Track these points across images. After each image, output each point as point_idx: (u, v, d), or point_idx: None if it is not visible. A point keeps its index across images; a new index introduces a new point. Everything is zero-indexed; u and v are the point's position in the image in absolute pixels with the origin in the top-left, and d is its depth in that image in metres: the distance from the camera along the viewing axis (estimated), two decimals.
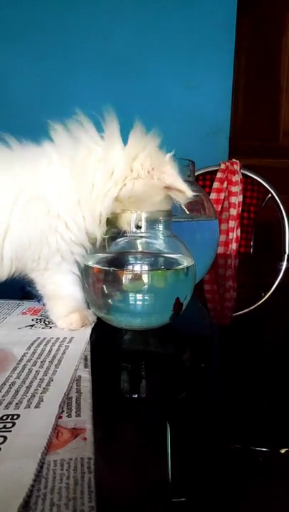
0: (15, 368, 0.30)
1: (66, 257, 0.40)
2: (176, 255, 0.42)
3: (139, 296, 0.38)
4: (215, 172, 1.20)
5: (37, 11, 1.56)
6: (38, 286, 0.42)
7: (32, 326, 0.40)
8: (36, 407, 0.25)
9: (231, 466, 0.22)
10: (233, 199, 1.17)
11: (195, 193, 0.38)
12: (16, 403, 0.25)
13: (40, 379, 0.29)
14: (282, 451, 0.23)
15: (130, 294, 0.37)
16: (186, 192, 0.37)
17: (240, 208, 1.19)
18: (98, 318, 0.41)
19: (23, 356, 0.33)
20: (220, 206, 1.18)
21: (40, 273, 0.41)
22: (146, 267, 0.38)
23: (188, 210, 0.52)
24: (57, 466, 0.20)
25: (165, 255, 0.42)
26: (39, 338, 0.37)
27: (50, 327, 0.40)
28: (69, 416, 0.24)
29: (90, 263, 0.40)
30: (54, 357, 0.33)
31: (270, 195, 1.20)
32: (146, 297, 0.38)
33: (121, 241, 0.40)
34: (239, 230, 1.19)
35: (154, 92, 1.63)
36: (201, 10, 1.59)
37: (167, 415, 0.27)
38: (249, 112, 1.72)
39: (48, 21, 1.57)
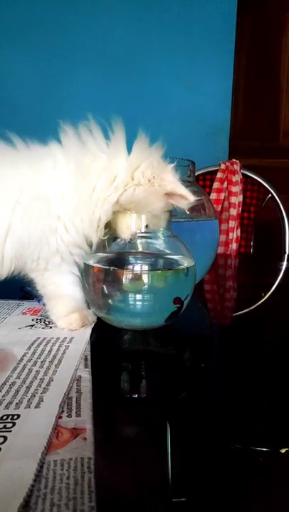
0: (15, 368, 0.30)
1: (65, 258, 0.40)
2: (177, 255, 0.42)
3: (139, 296, 0.38)
4: (215, 172, 1.20)
5: (37, 11, 1.56)
6: (38, 286, 0.42)
7: (32, 326, 0.40)
8: (36, 407, 0.25)
9: (231, 466, 0.22)
10: (233, 199, 1.17)
11: (197, 198, 0.38)
12: (16, 403, 0.25)
13: (41, 379, 0.29)
14: (283, 451, 0.23)
15: (130, 294, 0.37)
16: (188, 197, 0.37)
17: (241, 208, 1.19)
18: (98, 318, 0.41)
19: (23, 356, 0.33)
20: (220, 206, 1.18)
21: (40, 273, 0.41)
22: (146, 267, 0.38)
23: (188, 211, 0.52)
24: (57, 466, 0.20)
25: (165, 255, 0.42)
26: (39, 338, 0.37)
27: (51, 327, 0.40)
28: (69, 416, 0.24)
29: (91, 262, 0.40)
30: (54, 357, 0.33)
31: (270, 195, 1.20)
32: (146, 297, 0.38)
33: (121, 241, 0.40)
34: (239, 230, 1.19)
35: (155, 93, 1.63)
36: (201, 10, 1.59)
37: (167, 415, 0.27)
38: (249, 112, 1.72)
39: (48, 21, 1.57)
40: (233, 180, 1.17)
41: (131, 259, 0.40)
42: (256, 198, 1.23)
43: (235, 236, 1.17)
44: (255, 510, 0.19)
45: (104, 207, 0.38)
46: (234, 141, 1.72)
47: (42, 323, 0.41)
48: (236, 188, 1.17)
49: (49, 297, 0.42)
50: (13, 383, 0.28)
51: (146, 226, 0.39)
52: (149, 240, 0.41)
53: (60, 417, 0.24)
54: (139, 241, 0.40)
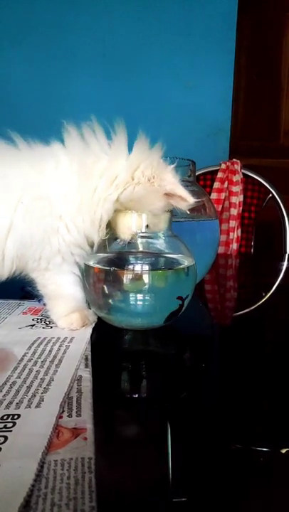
0: (15, 368, 0.30)
1: (67, 258, 0.40)
2: (177, 255, 0.42)
3: (139, 296, 0.38)
4: (215, 172, 1.20)
5: (37, 11, 1.56)
6: (39, 286, 0.42)
7: (32, 325, 0.40)
8: (37, 406, 0.25)
9: (232, 466, 0.22)
10: (234, 199, 1.17)
11: (196, 200, 0.38)
12: (17, 403, 0.25)
13: (41, 379, 0.29)
14: (283, 451, 0.23)
15: (131, 294, 0.37)
16: (187, 198, 0.37)
17: (241, 208, 1.19)
18: (99, 318, 0.41)
19: (23, 356, 0.33)
20: (220, 206, 1.18)
21: (41, 273, 0.41)
22: (146, 267, 0.38)
23: (188, 210, 0.52)
24: (57, 466, 0.20)
25: (166, 255, 0.42)
26: (40, 337, 0.37)
27: (51, 327, 0.40)
28: (69, 416, 0.24)
29: (91, 263, 0.40)
30: (55, 357, 0.33)
31: (270, 195, 1.19)
32: (146, 297, 0.38)
33: (121, 241, 0.40)
34: (240, 230, 1.19)
35: (155, 93, 1.63)
36: (201, 10, 1.59)
37: (168, 415, 0.27)
38: (250, 112, 1.72)
39: (48, 21, 1.57)
40: (234, 180, 1.17)
41: (131, 259, 0.40)
42: (257, 197, 1.23)
43: (235, 236, 1.17)
44: (256, 510, 0.19)
45: (106, 206, 0.38)
46: (235, 141, 1.72)
47: (42, 323, 0.41)
48: (237, 188, 1.17)
49: (50, 297, 0.42)
50: (14, 383, 0.28)
51: (147, 226, 0.39)
52: (149, 240, 0.41)
53: (61, 417, 0.24)
54: (139, 241, 0.40)
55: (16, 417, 0.24)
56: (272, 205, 1.19)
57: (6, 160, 0.40)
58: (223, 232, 1.15)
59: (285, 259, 1.02)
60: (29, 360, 0.32)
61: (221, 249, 1.13)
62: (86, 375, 0.30)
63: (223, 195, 1.18)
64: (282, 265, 0.90)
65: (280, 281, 0.73)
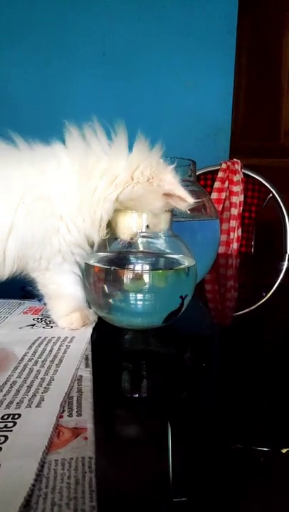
0: (16, 368, 0.30)
1: (67, 258, 0.40)
2: (177, 255, 0.42)
3: (140, 296, 0.37)
4: (216, 172, 1.20)
5: (37, 11, 1.56)
6: (39, 285, 0.42)
7: (33, 325, 0.40)
8: (37, 406, 0.25)
9: (232, 466, 0.22)
10: (234, 199, 1.17)
11: (196, 200, 0.38)
12: (17, 402, 0.25)
13: (42, 378, 0.29)
14: (283, 451, 0.23)
15: (131, 294, 0.37)
16: (186, 199, 0.37)
17: (241, 208, 1.19)
18: (99, 318, 0.41)
19: (24, 356, 0.33)
20: (221, 206, 1.18)
21: (41, 273, 0.41)
22: (147, 267, 0.38)
23: (188, 210, 0.52)
24: (58, 466, 0.20)
25: (166, 255, 0.42)
26: (40, 337, 0.37)
27: (51, 326, 0.40)
28: (70, 415, 0.24)
29: (92, 262, 0.40)
30: (55, 356, 0.33)
31: (271, 195, 1.19)
32: (147, 297, 0.38)
33: (121, 241, 0.40)
34: (240, 230, 1.19)
35: (155, 93, 1.63)
36: (201, 10, 1.59)
37: (168, 415, 0.27)
38: (250, 111, 1.72)
39: (48, 21, 1.57)
40: (234, 179, 1.17)
41: (132, 258, 0.40)
42: (257, 197, 1.23)
43: (236, 236, 1.17)
44: (256, 510, 0.19)
45: (105, 205, 0.38)
46: (235, 141, 1.71)
47: (43, 322, 0.41)
48: (237, 188, 1.17)
49: (50, 296, 0.42)
50: (14, 383, 0.28)
51: (147, 227, 0.39)
52: (149, 240, 0.41)
53: (61, 417, 0.24)
54: (140, 240, 0.40)
55: (16, 416, 0.24)
56: (272, 205, 1.18)
57: (8, 161, 0.40)
58: (223, 232, 1.15)
59: (285, 259, 1.01)
60: (30, 360, 0.32)
61: (222, 249, 1.13)
62: (86, 374, 0.30)
63: (223, 195, 1.18)
64: (283, 265, 0.90)
65: (281, 281, 0.73)
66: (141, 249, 0.40)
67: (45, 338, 0.37)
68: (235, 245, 1.17)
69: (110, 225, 0.40)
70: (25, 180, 0.39)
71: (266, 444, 0.24)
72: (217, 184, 1.18)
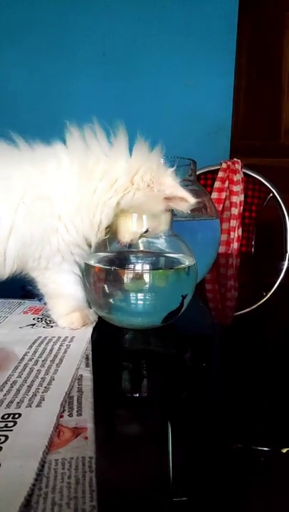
0: (16, 367, 0.30)
1: (66, 258, 0.40)
2: (178, 254, 0.42)
3: (140, 296, 0.37)
4: (216, 171, 1.20)
5: (37, 11, 1.56)
6: (39, 285, 0.42)
7: (33, 325, 0.40)
8: (38, 406, 0.25)
9: (232, 466, 0.22)
10: (235, 198, 1.17)
11: (198, 199, 0.38)
12: (18, 402, 0.25)
13: (42, 378, 0.29)
14: (284, 450, 0.23)
15: (131, 294, 0.37)
16: (188, 199, 0.37)
17: (242, 207, 1.19)
18: (99, 318, 0.41)
19: (24, 355, 0.33)
20: (221, 205, 1.18)
21: (41, 272, 0.41)
22: (147, 266, 0.38)
23: (189, 210, 0.52)
24: (58, 465, 0.20)
25: (166, 254, 0.42)
26: (40, 337, 0.37)
27: (52, 326, 0.40)
28: (70, 415, 0.24)
29: (92, 262, 0.40)
30: (55, 356, 0.33)
31: (271, 195, 1.19)
32: (147, 296, 0.38)
33: (121, 243, 0.40)
34: (240, 230, 1.18)
35: (155, 93, 1.63)
36: (201, 10, 1.59)
37: (168, 415, 0.27)
38: (250, 111, 1.72)
39: (48, 21, 1.57)
40: (235, 179, 1.17)
41: (132, 258, 0.40)
42: (257, 197, 1.23)
43: (236, 235, 1.17)
44: (256, 510, 0.19)
45: (105, 211, 0.38)
46: (235, 141, 1.71)
47: (43, 322, 0.41)
48: (237, 187, 1.17)
49: (50, 296, 0.42)
50: (15, 382, 0.28)
51: (147, 231, 0.39)
52: (150, 239, 0.41)
53: (62, 416, 0.24)
54: (140, 240, 0.40)
55: (16, 416, 0.24)
56: (272, 205, 1.18)
57: (8, 161, 0.40)
58: (223, 232, 1.15)
59: (285, 259, 1.01)
60: (30, 360, 0.32)
61: (222, 249, 1.13)
62: (87, 374, 0.30)
63: (223, 195, 1.18)
64: (283, 265, 0.90)
65: (281, 280, 0.73)
66: (141, 248, 0.40)
67: (45, 337, 0.37)
68: (235, 245, 1.17)
69: (110, 227, 0.40)
70: (25, 180, 0.39)
71: (266, 443, 0.24)
72: (217, 184, 1.18)
